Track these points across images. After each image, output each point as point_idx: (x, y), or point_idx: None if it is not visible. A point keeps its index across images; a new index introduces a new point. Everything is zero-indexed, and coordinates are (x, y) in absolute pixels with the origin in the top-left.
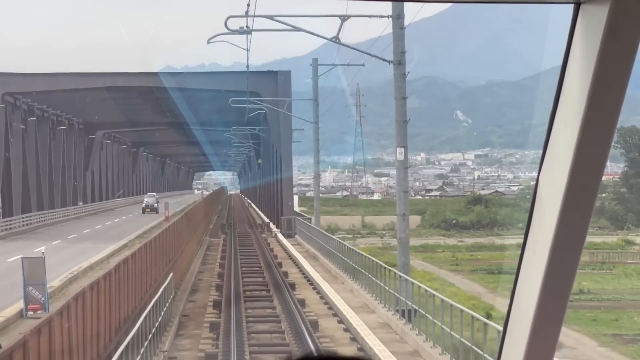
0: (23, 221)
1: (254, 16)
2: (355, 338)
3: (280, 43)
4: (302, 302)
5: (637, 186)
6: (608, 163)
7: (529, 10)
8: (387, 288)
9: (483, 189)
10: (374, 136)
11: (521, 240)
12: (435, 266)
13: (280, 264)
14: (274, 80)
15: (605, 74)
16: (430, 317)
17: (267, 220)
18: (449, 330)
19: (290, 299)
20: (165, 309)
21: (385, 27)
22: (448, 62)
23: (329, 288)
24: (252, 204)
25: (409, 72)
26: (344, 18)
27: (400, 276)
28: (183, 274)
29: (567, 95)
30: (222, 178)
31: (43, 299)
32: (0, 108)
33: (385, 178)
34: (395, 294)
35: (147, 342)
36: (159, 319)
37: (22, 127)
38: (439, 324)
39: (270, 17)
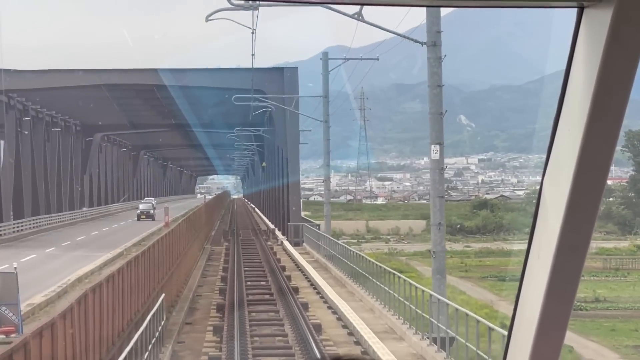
0: (15, 227)
1: None
2: None
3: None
4: (318, 328)
5: None
6: (615, 167)
7: (532, 14)
8: (418, 311)
9: (488, 193)
10: (377, 140)
11: None
12: None
13: (289, 277)
14: (279, 77)
15: (609, 78)
16: (473, 347)
17: (272, 226)
18: None
19: (303, 324)
20: (154, 339)
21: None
22: (451, 66)
23: (347, 308)
24: (256, 209)
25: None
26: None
27: (438, 299)
28: (180, 289)
29: (571, 99)
30: (225, 182)
31: (16, 320)
32: None
33: (388, 182)
34: (431, 319)
35: None
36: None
37: (18, 129)
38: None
39: None
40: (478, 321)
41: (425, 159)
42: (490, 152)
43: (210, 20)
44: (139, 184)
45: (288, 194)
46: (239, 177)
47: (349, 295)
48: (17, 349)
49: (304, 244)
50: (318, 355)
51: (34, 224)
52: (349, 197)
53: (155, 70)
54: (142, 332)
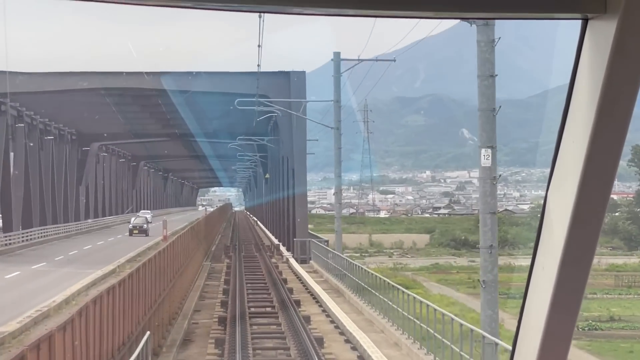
0: (3, 240)
1: None
2: None
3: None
4: None
5: None
6: (618, 182)
7: (535, 28)
8: (464, 355)
9: None
10: (380, 153)
11: None
12: (451, 289)
13: (298, 302)
14: (285, 82)
15: (614, 90)
16: None
17: (276, 241)
18: None
19: None
20: None
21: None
22: (454, 80)
23: (368, 343)
24: (259, 222)
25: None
26: None
27: (491, 342)
28: (175, 314)
29: (576, 111)
30: (227, 195)
31: None
32: None
33: (391, 195)
34: None
35: None
36: None
37: (10, 136)
38: None
39: None
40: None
41: (427, 172)
42: None
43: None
44: (138, 196)
45: (293, 207)
46: (240, 190)
47: (367, 325)
48: None
49: (311, 261)
50: None
51: (24, 237)
52: (352, 211)
53: (153, 73)
54: None
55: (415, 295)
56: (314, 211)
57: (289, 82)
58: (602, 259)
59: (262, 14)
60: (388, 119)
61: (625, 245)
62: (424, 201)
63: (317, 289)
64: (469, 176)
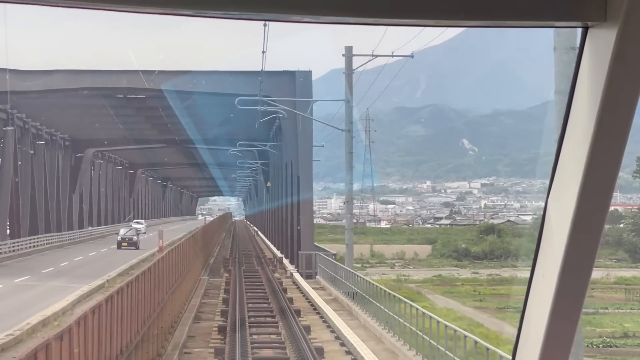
0: None
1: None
2: None
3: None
4: None
5: None
6: (627, 194)
7: (535, 39)
8: None
9: (492, 218)
10: (380, 164)
11: None
12: (457, 302)
13: (307, 328)
14: (290, 82)
15: (614, 97)
16: None
17: (278, 253)
18: None
19: None
20: None
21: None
22: (454, 91)
23: None
24: (259, 232)
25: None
26: None
27: None
28: (164, 341)
29: (576, 119)
30: (227, 204)
31: None
32: None
33: (391, 206)
34: None
35: None
36: None
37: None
38: None
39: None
40: None
41: (428, 182)
42: (492, 177)
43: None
44: (136, 205)
45: (298, 217)
46: (240, 199)
47: (391, 357)
48: None
49: (317, 276)
50: None
51: (12, 247)
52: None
53: (152, 71)
54: None
55: (440, 319)
56: (314, 221)
57: (294, 82)
58: (611, 272)
59: (266, 22)
60: (389, 129)
61: (630, 257)
62: (424, 211)
63: (327, 309)
64: (469, 187)
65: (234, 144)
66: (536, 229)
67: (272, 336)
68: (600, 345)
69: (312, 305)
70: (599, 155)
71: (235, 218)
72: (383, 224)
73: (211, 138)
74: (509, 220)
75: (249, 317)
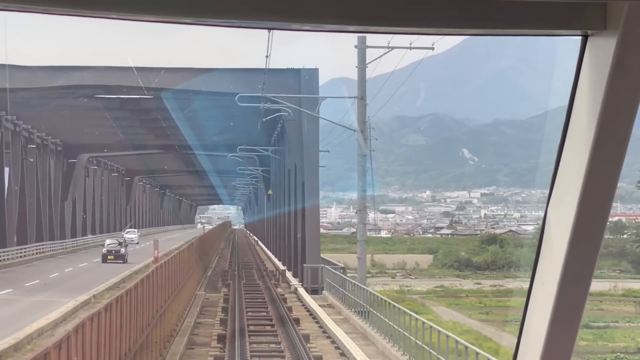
0: None
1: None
2: None
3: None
4: None
5: None
6: (627, 204)
7: (535, 49)
8: None
9: (493, 228)
10: (379, 173)
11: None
12: (463, 314)
13: (320, 359)
14: (295, 80)
15: (613, 106)
16: None
17: (281, 265)
18: None
19: None
20: None
21: None
22: (455, 100)
23: None
24: (259, 242)
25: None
26: None
27: None
28: None
29: (576, 127)
30: (226, 212)
31: None
32: None
33: (391, 215)
34: None
35: None
36: None
37: None
38: None
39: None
40: None
41: (428, 192)
42: (492, 187)
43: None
44: (133, 213)
45: (302, 226)
46: (240, 207)
47: None
48: None
49: (324, 291)
50: None
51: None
52: (352, 230)
53: (147, 68)
54: None
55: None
56: None
57: (299, 81)
58: (619, 283)
59: (271, 30)
60: (388, 138)
61: (634, 268)
62: (424, 221)
63: (343, 338)
64: (469, 196)
65: (234, 150)
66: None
67: None
68: None
69: (321, 327)
70: (599, 163)
71: (235, 226)
72: (383, 233)
73: (210, 144)
74: (510, 230)
75: (250, 342)
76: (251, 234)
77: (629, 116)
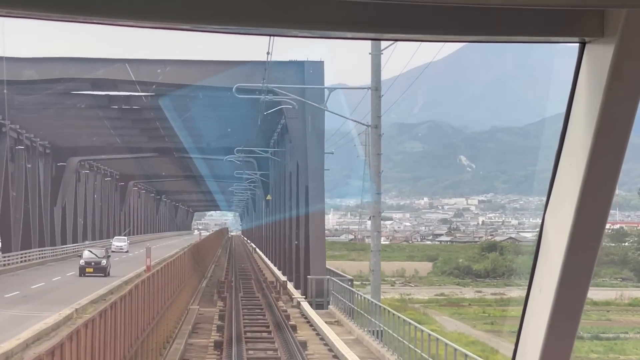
0: None
1: None
2: None
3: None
4: None
5: None
6: (619, 212)
7: (533, 56)
8: None
9: (491, 235)
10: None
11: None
12: (467, 324)
13: None
14: (298, 74)
15: (611, 113)
16: None
17: (281, 276)
18: None
19: None
20: None
21: None
22: (452, 107)
23: None
24: (257, 249)
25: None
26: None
27: None
28: None
29: (573, 134)
30: (224, 219)
31: None
32: None
33: (389, 222)
34: None
35: None
36: None
37: None
38: None
39: None
40: None
41: (425, 198)
42: (490, 194)
43: None
44: (127, 219)
45: (306, 234)
46: (237, 214)
47: None
48: None
49: (330, 305)
50: None
51: None
52: (350, 237)
53: (138, 60)
54: None
55: None
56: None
57: (303, 74)
58: (625, 292)
59: (271, 37)
60: (386, 144)
61: (635, 276)
62: (422, 228)
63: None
64: (467, 203)
65: (231, 153)
66: None
67: None
68: None
69: (330, 350)
70: (596, 170)
71: (232, 233)
72: (382, 240)
73: (206, 147)
74: (510, 238)
75: None
76: (249, 241)
77: (626, 123)
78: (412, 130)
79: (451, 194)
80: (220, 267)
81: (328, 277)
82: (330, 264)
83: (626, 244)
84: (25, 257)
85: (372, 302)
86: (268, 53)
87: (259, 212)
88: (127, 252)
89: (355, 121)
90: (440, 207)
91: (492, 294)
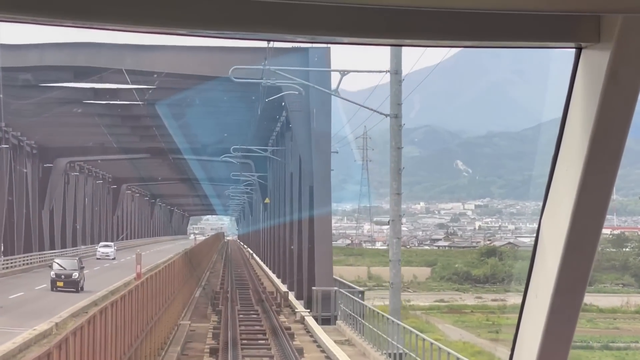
0: None
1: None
2: None
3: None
4: None
5: None
6: (617, 217)
7: (529, 62)
8: None
9: (489, 240)
10: (373, 184)
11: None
12: (471, 333)
13: None
14: (302, 61)
15: (607, 118)
16: None
17: (282, 286)
18: None
19: None
20: None
21: None
22: (448, 112)
23: None
24: (254, 255)
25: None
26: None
27: None
28: None
29: (569, 139)
30: (220, 223)
31: None
32: None
33: (386, 227)
34: None
35: None
36: None
37: None
38: None
39: None
40: None
41: (422, 203)
42: (487, 198)
43: None
44: (120, 223)
45: (310, 237)
46: (234, 218)
47: None
48: None
49: (338, 320)
50: None
51: None
52: (347, 242)
53: (119, 46)
54: None
55: None
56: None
57: (307, 62)
58: (631, 298)
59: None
60: (383, 149)
61: (637, 282)
62: (419, 232)
63: None
64: (463, 208)
65: (227, 153)
66: None
67: None
68: None
69: None
70: (593, 175)
71: (228, 237)
72: (378, 245)
73: (200, 147)
74: (510, 243)
75: None
76: (245, 246)
77: (622, 129)
78: (408, 135)
79: (447, 198)
80: (216, 275)
81: (335, 288)
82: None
83: (627, 249)
84: (8, 263)
85: (393, 322)
86: (268, 42)
87: (256, 217)
88: (113, 259)
89: (372, 110)
90: (436, 212)
91: (492, 300)
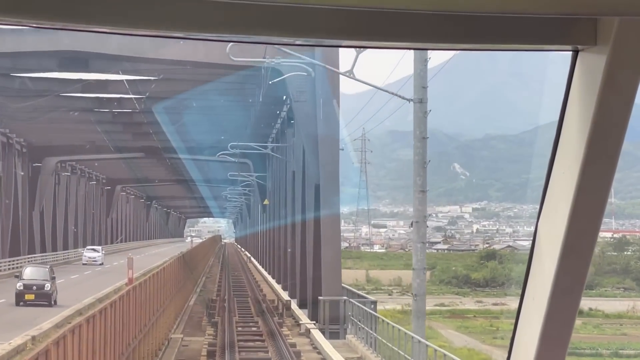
0: None
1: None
2: None
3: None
4: None
5: None
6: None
7: (527, 65)
8: None
9: (487, 243)
10: (371, 187)
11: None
12: (475, 339)
13: None
14: (307, 55)
15: (604, 121)
16: None
17: (283, 294)
18: None
19: None
20: None
21: None
22: (446, 115)
23: None
24: (252, 259)
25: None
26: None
27: None
28: None
29: (566, 142)
30: (217, 226)
31: None
32: None
33: (383, 229)
34: None
35: None
36: None
37: None
38: None
39: None
40: None
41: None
42: (484, 201)
43: None
44: (114, 225)
45: (317, 242)
46: (231, 221)
47: None
48: None
49: (348, 334)
50: None
51: None
52: (345, 245)
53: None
54: None
55: None
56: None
57: (313, 56)
58: (637, 303)
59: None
60: (380, 152)
61: (638, 285)
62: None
63: None
64: (461, 211)
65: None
66: None
67: None
68: None
69: None
70: (589, 178)
71: (225, 240)
72: (376, 248)
73: (196, 146)
74: (509, 246)
75: None
76: (242, 249)
77: (619, 131)
78: (405, 137)
79: (445, 201)
80: (212, 280)
81: (345, 297)
82: None
83: (628, 252)
84: None
85: (418, 341)
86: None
87: (254, 219)
88: (101, 264)
89: (391, 93)
90: (434, 215)
91: (494, 304)
